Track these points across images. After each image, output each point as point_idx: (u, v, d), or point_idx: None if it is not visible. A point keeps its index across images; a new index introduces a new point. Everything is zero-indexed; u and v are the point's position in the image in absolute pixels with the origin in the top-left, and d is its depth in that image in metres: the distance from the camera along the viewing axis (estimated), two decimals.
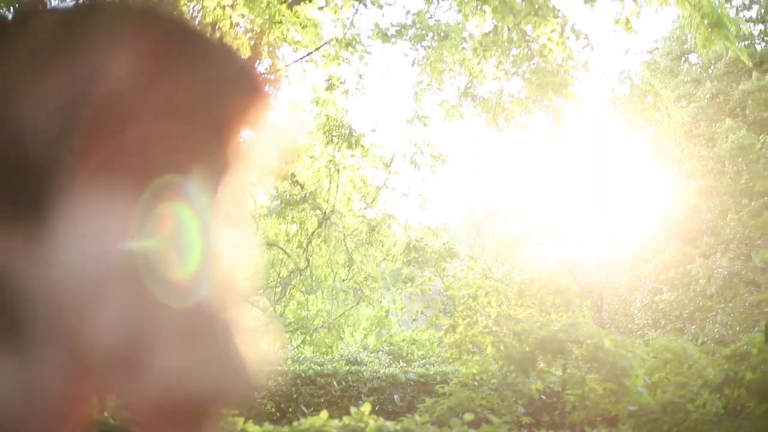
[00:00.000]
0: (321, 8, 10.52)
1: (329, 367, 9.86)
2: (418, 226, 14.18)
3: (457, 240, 17.07)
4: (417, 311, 14.45)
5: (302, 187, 13.03)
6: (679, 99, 18.11)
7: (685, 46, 20.20)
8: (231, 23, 9.05)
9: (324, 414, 4.52)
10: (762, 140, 17.94)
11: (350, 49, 11.31)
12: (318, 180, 13.32)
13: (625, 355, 6.19)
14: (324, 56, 11.59)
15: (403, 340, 15.91)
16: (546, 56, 9.68)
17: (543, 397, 7.60)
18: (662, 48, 21.10)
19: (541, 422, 7.57)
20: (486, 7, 9.77)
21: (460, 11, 10.70)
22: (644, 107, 10.78)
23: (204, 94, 0.63)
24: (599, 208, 15.45)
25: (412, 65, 11.51)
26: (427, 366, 10.87)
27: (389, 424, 4.57)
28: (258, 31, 9.10)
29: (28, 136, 0.57)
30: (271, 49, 9.91)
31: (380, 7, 11.10)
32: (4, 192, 0.57)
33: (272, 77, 10.33)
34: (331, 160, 12.97)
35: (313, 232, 13.30)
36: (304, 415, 8.22)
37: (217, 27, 8.82)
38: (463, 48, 10.54)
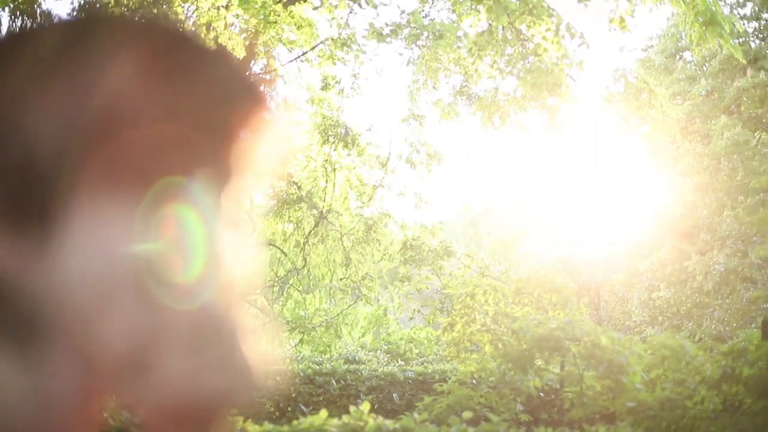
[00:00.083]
0: (316, 8, 10.52)
1: (328, 365, 9.85)
2: (414, 225, 14.19)
3: (453, 238, 17.05)
4: (414, 310, 14.44)
5: (299, 187, 13.04)
6: (674, 96, 18.11)
7: (680, 44, 20.21)
8: (226, 24, 9.04)
9: (323, 413, 4.53)
10: (757, 137, 17.98)
11: (345, 48, 11.31)
12: (314, 179, 13.33)
13: (623, 353, 6.18)
14: (319, 56, 11.59)
15: (401, 339, 15.90)
16: (541, 55, 9.68)
17: (541, 394, 7.60)
18: (657, 46, 21.10)
19: (540, 420, 7.58)
20: (480, 7, 9.77)
21: (454, 11, 10.70)
22: (639, 105, 10.78)
23: (203, 99, 0.64)
24: (595, 206, 15.44)
25: (407, 64, 11.52)
26: (425, 364, 10.87)
27: (388, 422, 4.58)
28: (253, 31, 9.10)
29: (35, 148, 0.58)
30: (266, 49, 9.91)
31: (375, 6, 11.10)
32: (12, 201, 0.58)
33: (267, 77, 10.32)
34: (327, 160, 12.98)
35: (310, 232, 13.30)
36: (303, 414, 8.22)
37: (211, 28, 8.82)
38: (458, 47, 10.54)
